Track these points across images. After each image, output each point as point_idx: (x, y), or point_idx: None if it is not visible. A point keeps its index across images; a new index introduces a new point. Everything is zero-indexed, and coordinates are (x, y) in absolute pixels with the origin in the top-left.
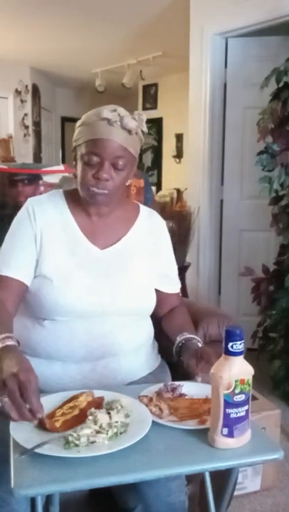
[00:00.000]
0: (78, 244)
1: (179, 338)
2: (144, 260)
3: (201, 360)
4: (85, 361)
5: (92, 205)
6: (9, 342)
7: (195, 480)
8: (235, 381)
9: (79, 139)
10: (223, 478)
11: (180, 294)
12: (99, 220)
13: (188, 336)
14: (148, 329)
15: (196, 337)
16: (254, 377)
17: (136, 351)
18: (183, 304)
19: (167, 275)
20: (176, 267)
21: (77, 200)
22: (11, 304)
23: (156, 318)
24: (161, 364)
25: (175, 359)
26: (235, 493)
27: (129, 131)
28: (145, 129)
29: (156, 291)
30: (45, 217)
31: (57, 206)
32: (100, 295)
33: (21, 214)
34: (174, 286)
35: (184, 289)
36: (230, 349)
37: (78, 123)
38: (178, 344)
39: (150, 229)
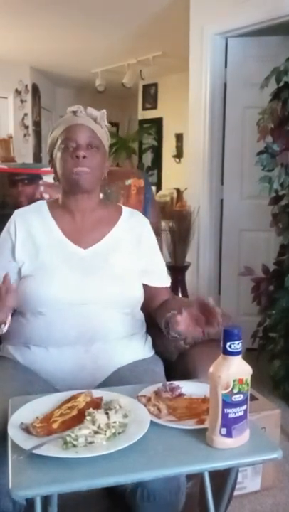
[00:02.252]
0: (62, 248)
1: (168, 314)
2: (124, 257)
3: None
4: (79, 344)
5: (75, 193)
6: None
7: (194, 480)
8: (234, 381)
9: (54, 137)
10: (222, 478)
11: (169, 289)
12: (82, 219)
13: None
14: (139, 319)
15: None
16: (254, 377)
17: (128, 338)
18: (174, 297)
19: (153, 270)
20: (162, 263)
21: (59, 206)
22: None
23: (149, 313)
24: (154, 357)
25: (165, 333)
26: (235, 493)
27: (94, 120)
28: (107, 124)
29: (146, 286)
30: (27, 226)
31: (39, 214)
32: (81, 286)
33: (4, 229)
34: (161, 281)
35: (183, 289)
36: (229, 349)
37: (50, 131)
38: (167, 317)
39: (131, 228)
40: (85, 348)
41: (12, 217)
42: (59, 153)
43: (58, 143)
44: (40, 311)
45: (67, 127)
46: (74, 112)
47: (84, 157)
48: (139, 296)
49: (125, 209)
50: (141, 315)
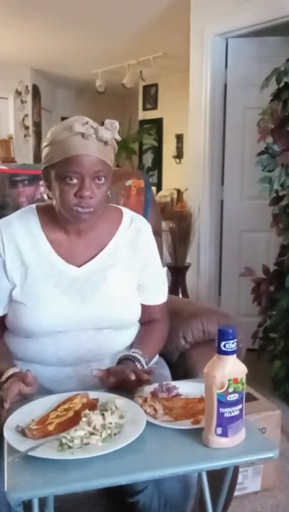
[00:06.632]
0: (53, 267)
1: (126, 352)
2: (122, 272)
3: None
4: (76, 365)
5: (73, 223)
6: (14, 370)
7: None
8: (229, 380)
9: (51, 158)
10: (220, 478)
11: (163, 308)
12: (78, 238)
13: (133, 351)
14: (136, 330)
15: (140, 358)
16: (254, 377)
17: (127, 350)
18: (163, 320)
19: (146, 287)
20: (160, 278)
21: (52, 217)
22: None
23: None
24: (160, 360)
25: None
26: (236, 493)
27: (105, 143)
28: (118, 137)
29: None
30: (15, 240)
31: (28, 226)
32: (76, 313)
33: None
34: (154, 298)
35: (184, 289)
36: (223, 348)
37: (46, 142)
38: (121, 356)
39: (129, 237)
40: (85, 365)
41: None
42: (57, 183)
43: (58, 171)
44: (32, 338)
45: (72, 157)
46: (82, 134)
47: (89, 198)
48: (137, 315)
49: (126, 215)
50: (138, 325)
